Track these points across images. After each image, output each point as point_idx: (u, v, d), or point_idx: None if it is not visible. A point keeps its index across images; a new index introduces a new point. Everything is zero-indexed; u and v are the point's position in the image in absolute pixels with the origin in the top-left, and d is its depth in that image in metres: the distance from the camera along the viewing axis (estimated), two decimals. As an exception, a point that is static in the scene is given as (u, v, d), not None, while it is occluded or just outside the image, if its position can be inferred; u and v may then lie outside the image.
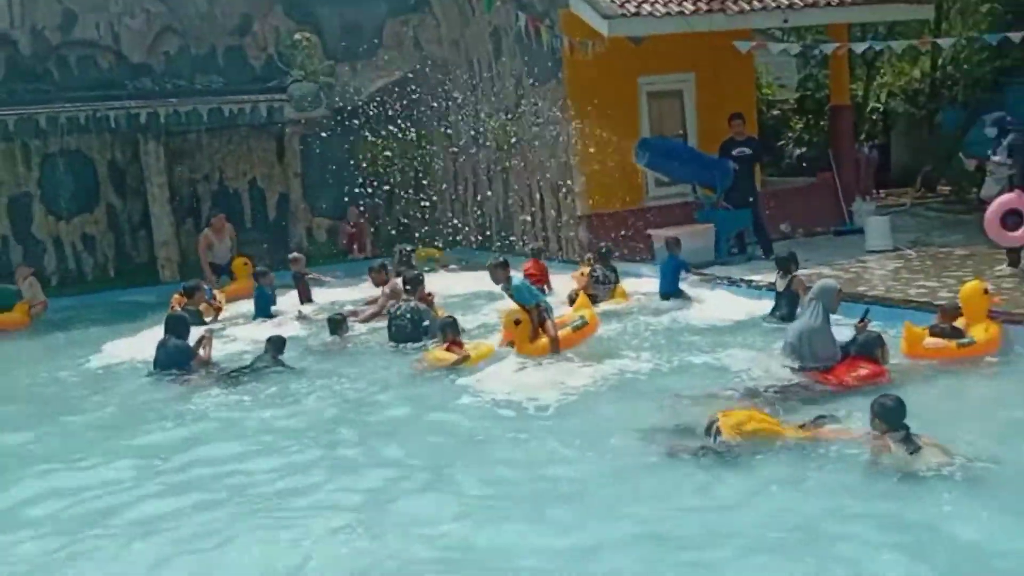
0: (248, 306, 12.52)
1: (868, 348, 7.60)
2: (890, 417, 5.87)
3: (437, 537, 5.41)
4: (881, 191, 18.73)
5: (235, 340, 10.97)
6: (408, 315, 10.17)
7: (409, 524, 5.61)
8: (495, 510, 5.77)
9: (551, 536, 5.33)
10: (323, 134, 16.97)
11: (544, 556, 5.11)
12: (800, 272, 10.00)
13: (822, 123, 19.06)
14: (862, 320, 8.14)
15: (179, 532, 5.74)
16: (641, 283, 12.26)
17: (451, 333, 9.20)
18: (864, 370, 7.45)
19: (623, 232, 13.58)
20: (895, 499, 5.44)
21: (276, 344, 9.53)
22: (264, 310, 12.11)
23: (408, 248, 14.22)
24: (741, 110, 13.80)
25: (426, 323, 10.09)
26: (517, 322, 8.91)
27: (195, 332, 9.91)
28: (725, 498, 5.68)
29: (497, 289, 11.98)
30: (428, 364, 9.06)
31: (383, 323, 10.65)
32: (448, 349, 9.09)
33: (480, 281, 13.29)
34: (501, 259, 9.35)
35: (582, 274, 11.89)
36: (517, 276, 9.23)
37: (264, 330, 10.89)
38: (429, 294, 10.80)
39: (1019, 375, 7.87)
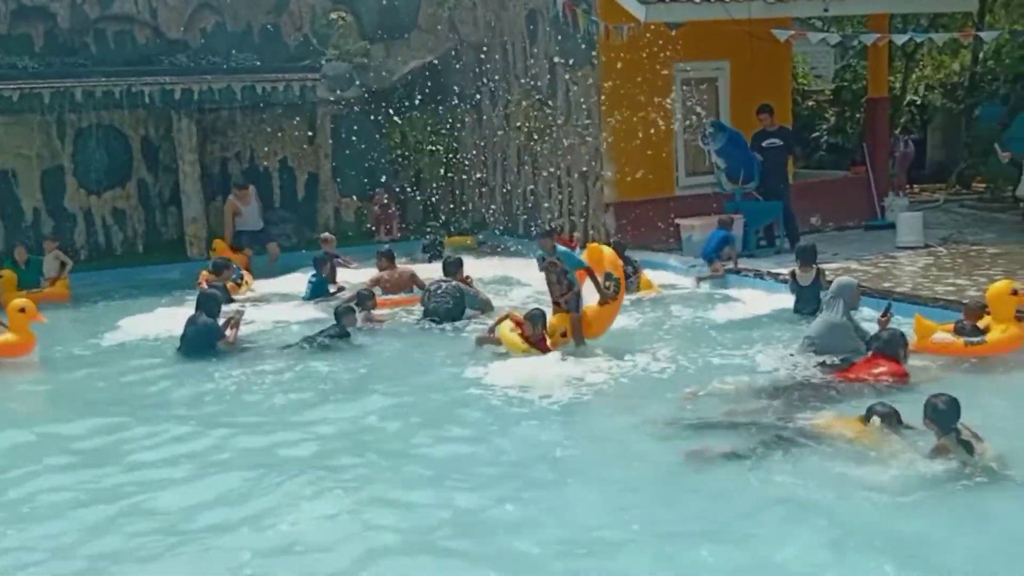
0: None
1: (891, 347, 7.49)
2: (942, 419, 5.76)
3: (432, 527, 5.42)
4: (914, 186, 18.49)
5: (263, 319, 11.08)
6: (450, 293, 10.35)
7: (404, 511, 5.64)
8: (487, 505, 5.73)
9: (546, 535, 5.29)
10: (354, 115, 17.01)
11: (541, 554, 5.08)
12: (827, 266, 9.90)
13: (857, 115, 18.82)
14: (884, 314, 8.09)
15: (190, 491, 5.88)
16: (667, 275, 12.20)
17: (542, 327, 8.84)
18: (883, 368, 7.35)
19: (651, 221, 13.49)
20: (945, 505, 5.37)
21: (343, 313, 9.72)
22: (317, 292, 12.10)
23: (437, 237, 14.25)
24: (776, 99, 13.65)
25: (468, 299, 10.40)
26: (564, 334, 8.93)
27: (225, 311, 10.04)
28: (742, 502, 5.58)
29: (523, 277, 12.20)
30: (499, 344, 8.92)
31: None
32: (536, 344, 8.75)
33: (507, 266, 13.43)
34: (548, 228, 9.44)
35: None
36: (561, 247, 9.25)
37: (306, 311, 11.24)
38: (467, 277, 10.96)
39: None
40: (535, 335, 8.75)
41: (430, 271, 12.00)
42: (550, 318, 9.03)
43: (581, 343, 8.93)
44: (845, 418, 6.45)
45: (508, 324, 8.96)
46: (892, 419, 6.13)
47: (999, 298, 8.21)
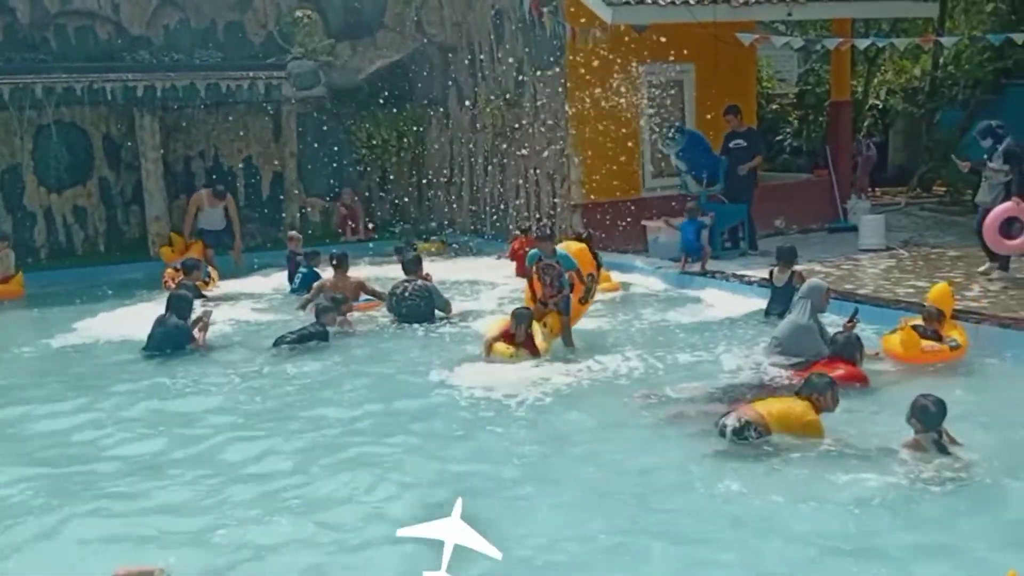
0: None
1: (847, 350, 7.61)
2: (928, 419, 5.83)
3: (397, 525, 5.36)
4: (876, 189, 18.72)
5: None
6: (418, 294, 10.25)
7: (374, 515, 5.61)
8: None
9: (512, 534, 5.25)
10: (320, 113, 16.89)
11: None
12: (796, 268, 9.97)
13: (820, 118, 19.01)
14: (851, 320, 8.18)
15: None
16: (633, 276, 12.26)
17: (527, 328, 8.68)
18: (840, 371, 7.42)
19: (618, 222, 13.54)
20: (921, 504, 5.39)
21: (323, 312, 9.69)
22: (308, 281, 11.98)
23: (411, 242, 14.22)
24: (741, 102, 13.73)
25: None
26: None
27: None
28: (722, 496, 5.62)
29: (493, 278, 12.47)
30: (493, 354, 8.62)
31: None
32: (523, 346, 8.60)
33: (476, 267, 13.43)
34: (548, 231, 9.53)
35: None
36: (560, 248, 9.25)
37: (270, 313, 11.21)
38: (427, 275, 10.87)
39: (998, 377, 7.92)
40: (519, 335, 8.59)
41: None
42: (545, 317, 8.96)
43: (570, 343, 8.96)
44: (780, 397, 6.56)
45: (503, 346, 8.64)
46: (834, 388, 6.28)
47: (943, 300, 8.38)
